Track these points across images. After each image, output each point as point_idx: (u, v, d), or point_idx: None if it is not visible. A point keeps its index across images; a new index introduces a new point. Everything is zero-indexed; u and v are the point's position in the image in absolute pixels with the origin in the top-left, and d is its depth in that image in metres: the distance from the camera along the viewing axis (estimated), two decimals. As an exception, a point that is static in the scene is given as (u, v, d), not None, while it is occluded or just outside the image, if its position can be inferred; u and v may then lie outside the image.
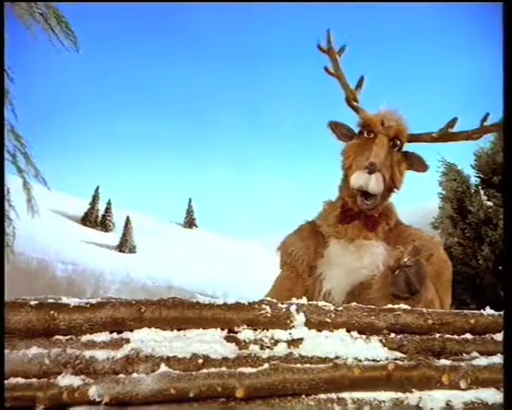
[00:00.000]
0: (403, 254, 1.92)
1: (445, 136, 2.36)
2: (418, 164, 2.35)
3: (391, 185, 2.25)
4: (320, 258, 2.22)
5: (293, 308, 1.46)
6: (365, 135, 2.28)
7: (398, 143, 2.28)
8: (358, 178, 2.09)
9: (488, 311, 1.58)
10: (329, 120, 2.40)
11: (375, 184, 2.07)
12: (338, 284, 2.07)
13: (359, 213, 2.22)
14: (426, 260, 2.15)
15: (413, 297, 1.86)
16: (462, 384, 1.31)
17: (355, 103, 2.43)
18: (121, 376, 1.27)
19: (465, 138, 2.38)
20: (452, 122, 2.33)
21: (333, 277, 2.09)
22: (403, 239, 2.24)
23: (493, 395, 1.30)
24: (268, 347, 1.40)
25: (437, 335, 1.48)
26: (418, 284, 1.85)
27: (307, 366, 1.31)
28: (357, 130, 2.38)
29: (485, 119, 2.34)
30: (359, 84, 2.46)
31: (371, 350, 1.40)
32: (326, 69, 2.51)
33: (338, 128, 2.40)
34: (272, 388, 1.26)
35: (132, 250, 45.89)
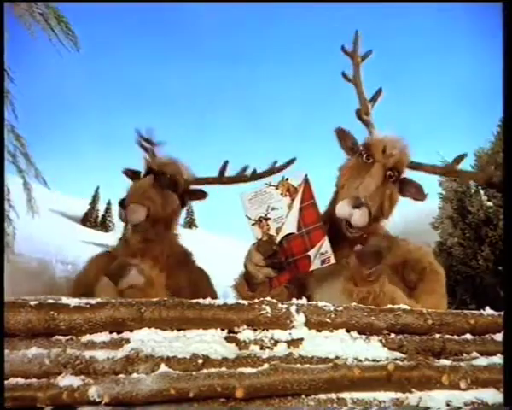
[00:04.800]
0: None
1: (450, 172, 2.31)
2: (416, 192, 2.27)
3: (379, 215, 2.20)
4: (309, 276, 2.12)
5: (293, 309, 1.46)
6: (364, 159, 2.21)
7: (396, 174, 2.21)
8: (342, 209, 2.04)
9: (488, 311, 1.58)
10: (338, 127, 2.34)
11: (358, 218, 2.02)
12: (329, 295, 2.01)
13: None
14: (419, 273, 2.14)
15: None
16: (462, 384, 1.31)
17: (365, 117, 2.36)
18: (121, 376, 1.27)
19: (469, 179, 2.33)
20: (459, 159, 2.25)
21: (323, 295, 2.03)
22: (391, 253, 2.14)
23: (493, 395, 1.30)
24: (268, 347, 1.40)
25: (437, 335, 1.48)
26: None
27: (307, 366, 1.32)
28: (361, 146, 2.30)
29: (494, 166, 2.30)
30: (375, 97, 2.39)
31: (371, 350, 1.40)
32: (344, 75, 2.44)
33: (344, 138, 2.33)
34: (272, 388, 1.26)
35: (132, 250, 45.74)
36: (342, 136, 2.34)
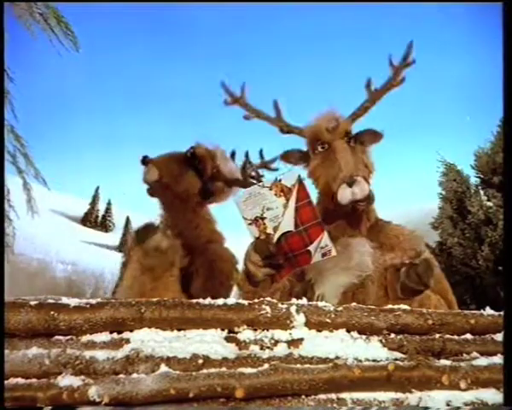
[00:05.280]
0: (403, 256, 1.95)
1: (376, 96, 2.34)
2: (373, 137, 2.31)
3: (369, 173, 2.24)
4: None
5: (293, 309, 1.46)
6: (320, 149, 2.24)
7: (350, 135, 2.25)
8: (345, 195, 2.05)
9: (488, 311, 1.58)
10: (279, 155, 2.40)
11: (361, 191, 2.04)
12: (330, 287, 2.02)
13: (343, 211, 2.14)
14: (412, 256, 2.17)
15: (425, 289, 1.92)
16: (462, 385, 1.31)
17: (287, 129, 2.41)
18: (121, 376, 1.27)
19: (390, 88, 2.34)
20: (369, 81, 2.33)
21: (324, 281, 2.05)
22: (384, 235, 2.22)
23: (493, 395, 1.30)
24: (268, 347, 1.40)
25: (437, 335, 1.48)
26: (428, 278, 1.88)
27: (307, 366, 1.31)
28: (307, 148, 2.35)
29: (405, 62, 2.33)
30: (277, 112, 2.43)
31: (371, 350, 1.40)
32: (245, 118, 2.51)
33: (290, 157, 2.38)
34: (272, 388, 1.26)
35: (132, 250, 45.52)
36: (287, 158, 2.39)
